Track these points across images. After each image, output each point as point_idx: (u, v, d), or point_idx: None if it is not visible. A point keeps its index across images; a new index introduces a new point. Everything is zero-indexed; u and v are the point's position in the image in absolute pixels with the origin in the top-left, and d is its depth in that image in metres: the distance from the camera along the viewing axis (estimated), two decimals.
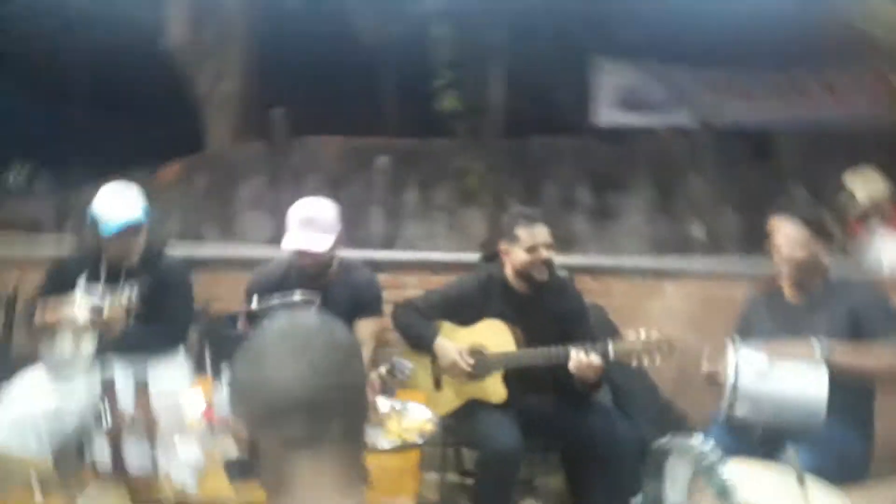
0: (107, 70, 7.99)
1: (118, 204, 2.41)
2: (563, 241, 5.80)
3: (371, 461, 1.80)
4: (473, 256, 3.37)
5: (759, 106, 5.96)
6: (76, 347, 2.34)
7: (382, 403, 2.15)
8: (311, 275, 2.40)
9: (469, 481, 2.74)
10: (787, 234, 2.28)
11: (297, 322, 0.86)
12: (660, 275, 3.36)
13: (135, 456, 1.66)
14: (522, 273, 2.48)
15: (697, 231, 5.73)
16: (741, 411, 2.13)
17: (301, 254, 2.38)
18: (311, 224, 2.34)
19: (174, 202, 5.84)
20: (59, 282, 2.51)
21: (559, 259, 3.40)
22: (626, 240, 5.68)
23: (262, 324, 0.88)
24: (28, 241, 4.32)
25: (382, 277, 3.28)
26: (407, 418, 2.05)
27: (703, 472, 1.15)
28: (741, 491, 1.14)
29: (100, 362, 2.26)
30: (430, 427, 2.02)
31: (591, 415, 2.49)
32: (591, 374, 2.28)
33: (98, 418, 1.67)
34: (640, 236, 5.75)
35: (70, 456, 2.03)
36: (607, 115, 6.22)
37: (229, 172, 5.88)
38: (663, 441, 1.29)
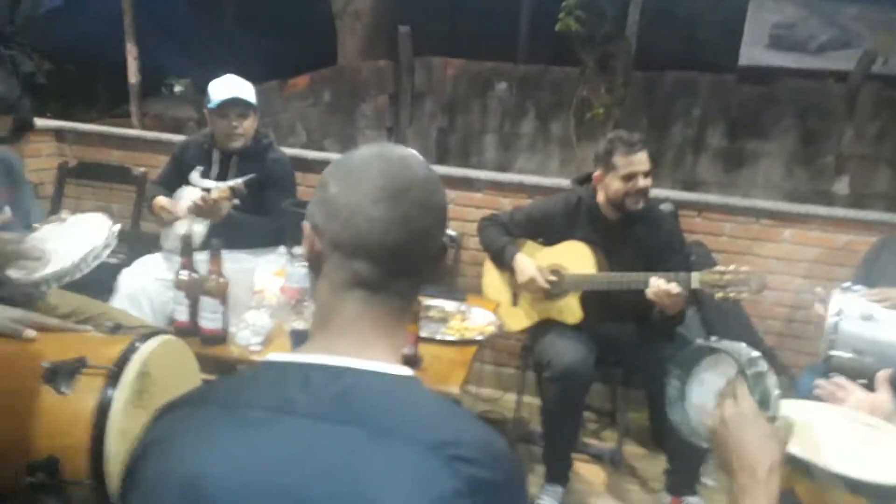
0: None
1: (229, 83, 2.57)
2: (685, 185, 5.49)
3: (429, 350, 1.85)
4: (568, 182, 3.26)
5: None
6: (188, 229, 2.54)
7: (448, 304, 2.19)
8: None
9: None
10: None
11: (404, 161, 0.80)
12: (779, 217, 3.07)
13: (208, 314, 1.78)
14: (615, 201, 2.37)
15: (841, 188, 5.17)
16: (840, 353, 2.00)
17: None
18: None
19: (300, 112, 6.08)
20: (178, 166, 2.72)
21: (668, 193, 3.23)
22: (757, 191, 5.24)
23: (369, 144, 0.84)
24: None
25: (476, 195, 3.29)
26: (470, 319, 2.06)
27: (750, 378, 1.06)
28: (785, 407, 1.04)
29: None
30: (490, 329, 2.02)
31: (667, 348, 2.38)
32: (670, 303, 2.17)
33: (179, 278, 1.80)
34: (775, 188, 5.27)
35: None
36: (756, 53, 5.64)
37: (353, 88, 6.00)
38: (712, 340, 1.20)
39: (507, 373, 3.29)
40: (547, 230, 2.52)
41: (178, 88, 9.25)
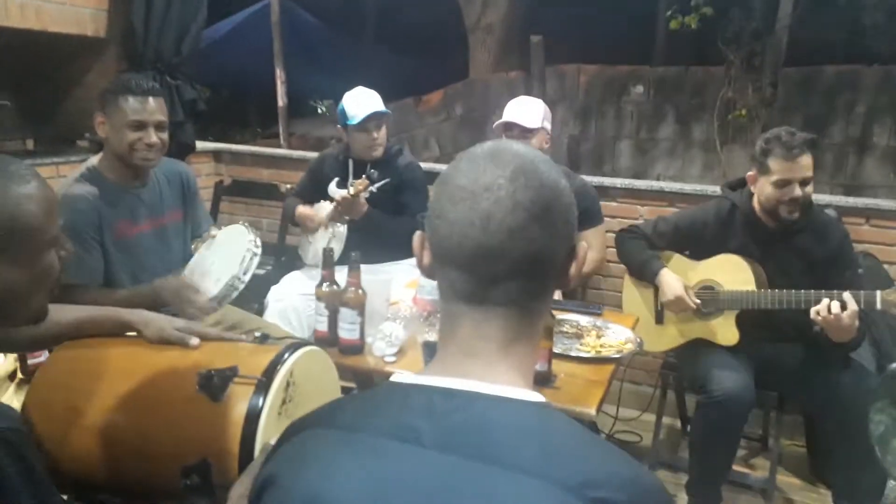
0: (391, 11, 8.71)
1: (362, 98, 2.64)
2: (847, 189, 4.97)
3: (563, 367, 1.79)
4: (711, 188, 3.03)
5: None
6: (327, 238, 2.65)
7: (583, 318, 2.10)
8: None
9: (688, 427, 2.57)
10: None
11: (497, 156, 0.72)
12: None
13: (347, 325, 1.82)
14: (767, 208, 2.17)
15: None
16: None
17: (508, 129, 2.56)
18: (522, 107, 2.57)
19: (434, 128, 6.21)
20: (315, 179, 2.86)
21: (829, 199, 2.92)
22: None
23: (479, 145, 0.77)
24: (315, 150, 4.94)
25: (611, 204, 3.15)
26: (606, 336, 1.97)
27: None
28: None
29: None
30: (629, 347, 1.91)
31: (840, 375, 2.14)
32: (839, 328, 1.93)
33: (319, 289, 1.86)
34: None
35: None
36: None
37: (486, 100, 6.04)
38: None
39: (644, 392, 3.12)
40: (696, 242, 2.34)
41: (321, 110, 9.85)
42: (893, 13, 5.20)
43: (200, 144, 3.73)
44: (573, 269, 0.76)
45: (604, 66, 5.69)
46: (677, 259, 2.40)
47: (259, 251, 1.82)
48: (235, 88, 8.16)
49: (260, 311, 2.60)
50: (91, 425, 1.20)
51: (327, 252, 1.86)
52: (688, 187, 3.09)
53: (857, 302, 1.93)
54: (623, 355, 1.88)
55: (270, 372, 1.19)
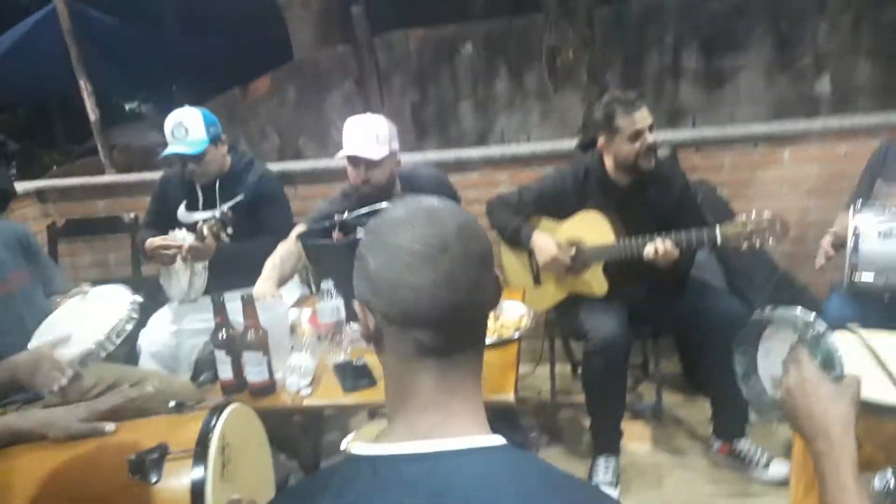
0: None
1: (176, 133, 2.46)
2: (670, 115, 5.44)
3: None
4: (565, 144, 3.21)
5: None
6: (188, 274, 2.51)
7: None
8: (370, 197, 2.22)
9: (580, 370, 2.75)
10: None
11: (434, 218, 0.76)
12: (776, 140, 3.05)
13: (253, 368, 1.76)
14: (626, 164, 2.34)
15: (823, 88, 5.14)
16: (864, 277, 2.00)
17: (355, 162, 2.24)
18: (363, 134, 2.21)
19: (268, 116, 5.95)
20: (162, 204, 2.66)
21: (662, 135, 3.19)
22: (742, 107, 5.20)
23: (395, 204, 0.81)
24: (143, 165, 4.59)
25: (473, 176, 3.24)
26: (503, 316, 2.05)
27: (809, 342, 1.07)
28: (849, 361, 1.05)
29: (220, 283, 2.37)
30: (525, 322, 2.00)
31: (690, 295, 2.44)
32: (668, 260, 2.21)
33: (216, 337, 1.78)
34: (759, 101, 5.24)
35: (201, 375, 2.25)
36: None
37: (317, 79, 5.87)
38: (765, 311, 1.20)
39: (534, 346, 3.29)
40: (559, 205, 2.48)
41: (130, 107, 9.02)
42: None
43: (20, 186, 3.34)
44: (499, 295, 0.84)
45: (429, 28, 5.70)
46: (545, 222, 2.53)
47: (137, 316, 1.70)
48: (33, 105, 7.29)
49: (132, 357, 2.44)
50: None
51: (216, 298, 1.76)
52: (539, 148, 3.26)
53: (701, 242, 2.20)
54: (522, 332, 1.96)
55: (203, 441, 1.17)
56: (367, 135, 2.20)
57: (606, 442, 2.44)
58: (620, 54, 5.38)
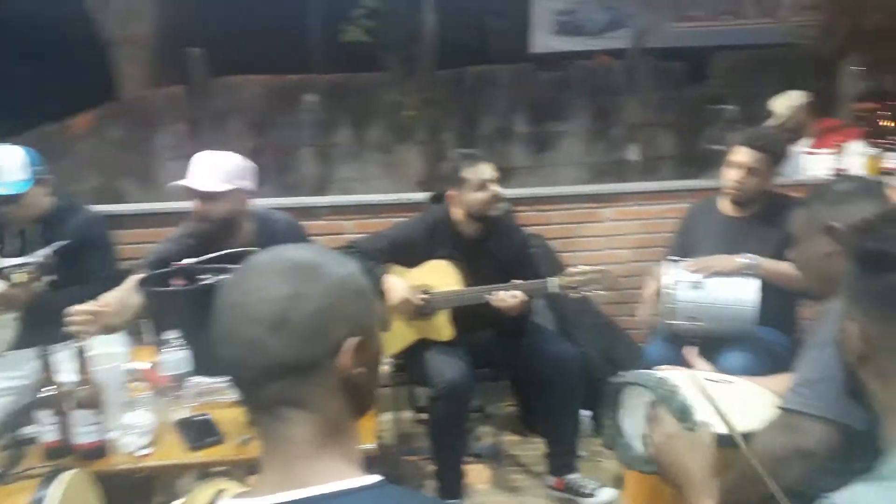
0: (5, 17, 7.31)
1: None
2: (502, 173, 5.80)
3: None
4: (410, 196, 3.33)
5: (696, 27, 6.02)
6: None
7: None
8: (212, 235, 2.15)
9: (424, 417, 2.79)
10: (742, 161, 2.36)
11: (246, 283, 0.76)
12: (596, 199, 3.42)
13: (83, 428, 1.60)
14: (476, 213, 2.49)
15: (633, 155, 5.82)
16: (679, 322, 2.27)
17: (191, 195, 2.14)
18: (204, 167, 2.15)
19: (87, 155, 5.49)
20: None
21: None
22: (564, 169, 5.73)
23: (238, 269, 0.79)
24: None
25: (318, 224, 3.24)
26: None
27: (663, 399, 1.19)
28: (699, 411, 1.18)
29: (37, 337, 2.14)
30: (383, 368, 2.02)
31: (529, 339, 2.61)
32: (514, 308, 2.37)
33: (39, 393, 1.60)
34: (578, 164, 5.81)
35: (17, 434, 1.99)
36: (545, 41, 6.13)
37: (146, 120, 5.56)
38: (620, 375, 1.34)
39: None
40: (410, 254, 2.56)
41: None
42: (512, 21, 6.16)
43: None
44: (344, 362, 0.76)
45: (272, 76, 5.66)
46: (394, 269, 2.60)
47: None
48: None
49: None
50: None
51: (42, 351, 1.59)
52: (385, 198, 3.34)
53: (535, 291, 2.39)
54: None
55: None
56: (211, 168, 2.13)
57: (451, 486, 2.49)
58: (458, 115, 5.71)
